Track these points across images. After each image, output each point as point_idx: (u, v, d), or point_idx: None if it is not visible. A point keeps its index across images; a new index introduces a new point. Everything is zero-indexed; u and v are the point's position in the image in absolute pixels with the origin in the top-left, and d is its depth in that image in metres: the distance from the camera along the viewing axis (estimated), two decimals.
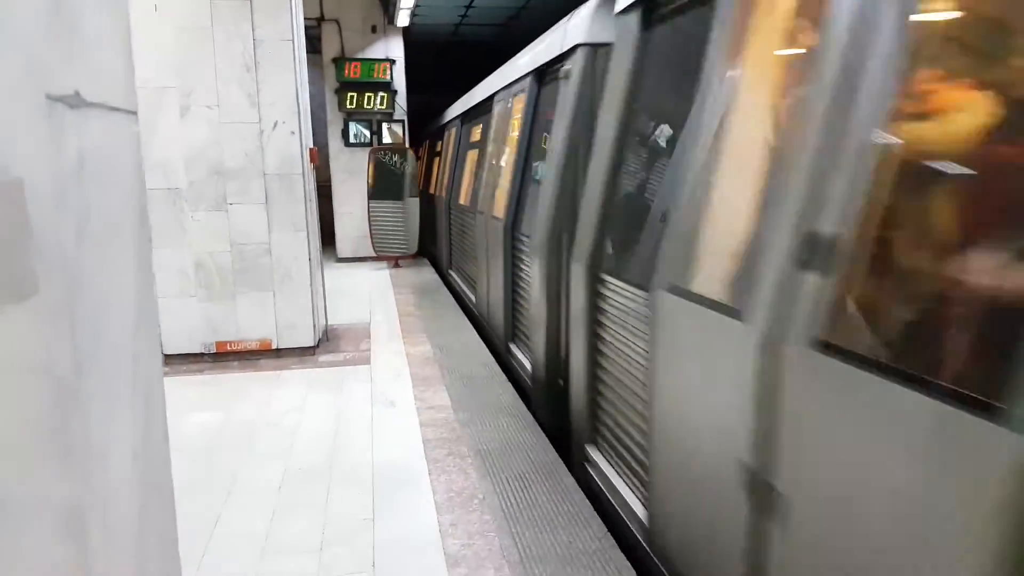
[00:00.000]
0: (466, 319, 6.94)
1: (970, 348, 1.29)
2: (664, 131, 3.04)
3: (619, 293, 3.00)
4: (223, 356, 5.53)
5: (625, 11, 3.16)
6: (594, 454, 3.36)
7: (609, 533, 2.92)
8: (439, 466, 3.58)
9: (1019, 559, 1.10)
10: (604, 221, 3.27)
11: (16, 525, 0.69)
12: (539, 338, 4.30)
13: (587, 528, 2.96)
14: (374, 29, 11.35)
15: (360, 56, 11.28)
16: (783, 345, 1.70)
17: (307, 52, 5.97)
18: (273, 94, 5.34)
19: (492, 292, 5.95)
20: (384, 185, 10.76)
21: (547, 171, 4.28)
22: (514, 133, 5.49)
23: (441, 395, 4.70)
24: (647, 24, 3.05)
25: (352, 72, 11.14)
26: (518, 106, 5.46)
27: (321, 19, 11.06)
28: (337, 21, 11.17)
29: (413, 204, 10.78)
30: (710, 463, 2.10)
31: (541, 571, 2.65)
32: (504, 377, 5.02)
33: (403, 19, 10.52)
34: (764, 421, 1.79)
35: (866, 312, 1.52)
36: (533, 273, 4.37)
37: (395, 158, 10.80)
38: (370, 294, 8.54)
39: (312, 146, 5.89)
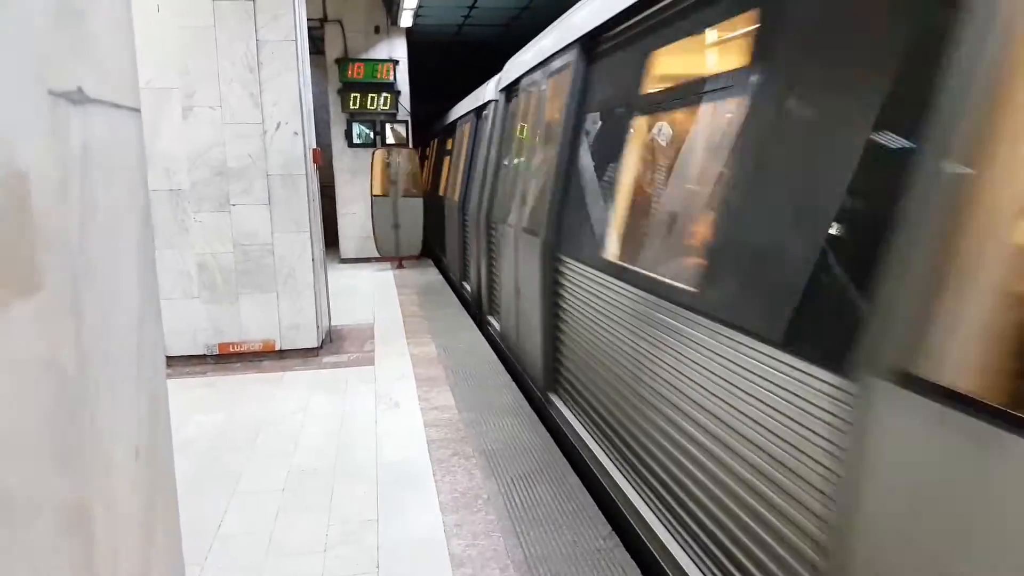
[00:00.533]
0: (470, 319, 7.00)
1: (535, 217, 4.30)
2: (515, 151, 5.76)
3: (496, 231, 5.82)
4: (226, 358, 5.53)
5: (501, 90, 6.42)
6: (490, 318, 6.42)
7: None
8: (444, 466, 3.58)
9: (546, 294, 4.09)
10: (493, 195, 6.25)
11: (21, 521, 0.68)
12: (474, 270, 7.29)
13: (592, 527, 2.95)
14: (377, 30, 11.35)
15: (363, 57, 11.29)
16: (517, 231, 4.70)
17: (310, 53, 5.97)
18: (276, 95, 5.34)
19: (453, 249, 9.17)
20: (388, 185, 10.76)
21: (476, 170, 7.44)
22: (465, 146, 8.72)
23: (445, 395, 4.70)
24: (508, 98, 6.17)
25: (355, 73, 11.14)
26: (467, 129, 8.68)
27: (324, 20, 11.07)
28: (340, 22, 11.17)
29: (416, 204, 10.79)
30: (509, 288, 5.07)
31: (546, 571, 2.65)
32: (509, 378, 5.06)
33: (406, 20, 10.52)
34: (516, 261, 4.72)
35: (528, 221, 4.49)
36: (470, 230, 7.51)
37: (398, 159, 10.80)
38: (373, 295, 8.54)
39: (315, 147, 5.89)
